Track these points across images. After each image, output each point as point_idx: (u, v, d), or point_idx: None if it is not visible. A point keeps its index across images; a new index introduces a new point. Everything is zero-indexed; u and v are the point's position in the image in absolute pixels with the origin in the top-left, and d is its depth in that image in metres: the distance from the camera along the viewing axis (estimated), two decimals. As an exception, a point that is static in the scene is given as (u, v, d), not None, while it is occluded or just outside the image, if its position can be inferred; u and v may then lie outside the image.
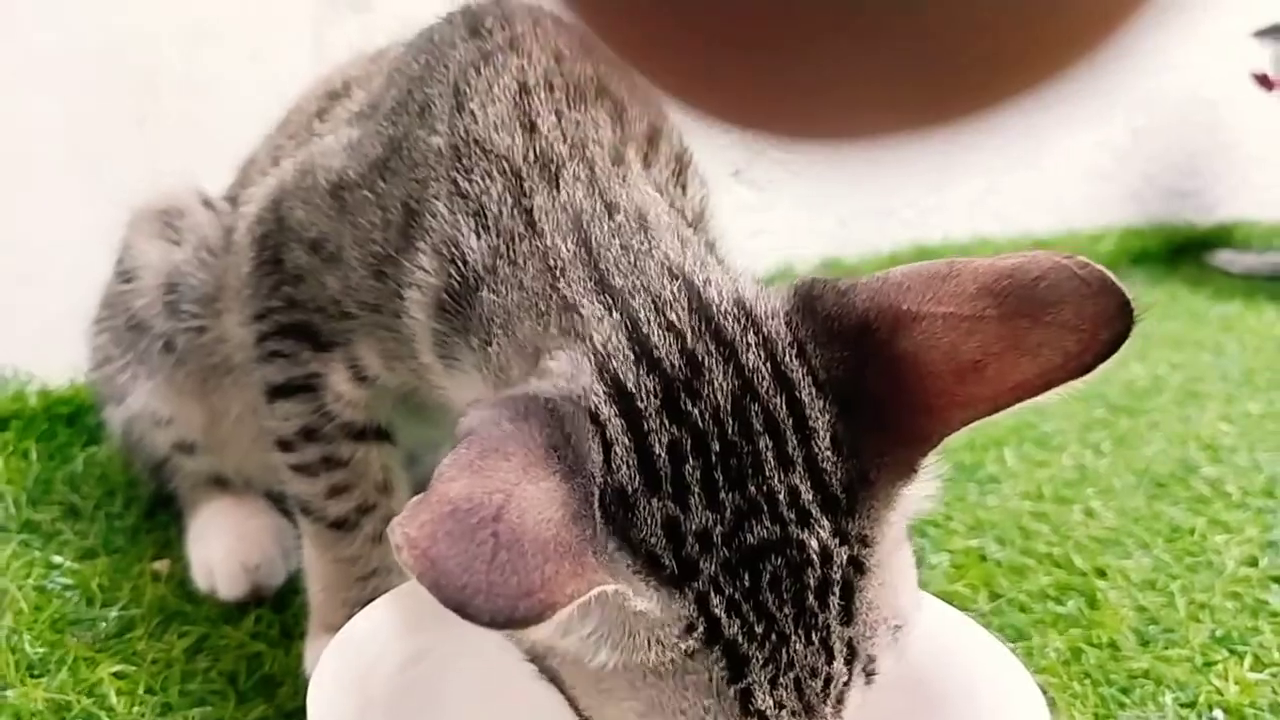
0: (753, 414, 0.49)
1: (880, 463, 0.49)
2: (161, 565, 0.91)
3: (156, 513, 0.99)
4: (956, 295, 0.49)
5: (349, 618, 0.71)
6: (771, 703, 0.48)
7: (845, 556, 0.49)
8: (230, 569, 0.87)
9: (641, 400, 0.50)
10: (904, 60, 0.23)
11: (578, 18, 0.25)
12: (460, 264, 0.60)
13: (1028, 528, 1.02)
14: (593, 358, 0.51)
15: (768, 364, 0.50)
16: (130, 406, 0.93)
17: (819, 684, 0.49)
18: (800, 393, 0.50)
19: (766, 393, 0.50)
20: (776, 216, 1.64)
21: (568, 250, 0.57)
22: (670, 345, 0.51)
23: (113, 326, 0.93)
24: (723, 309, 0.52)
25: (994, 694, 0.63)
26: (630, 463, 0.48)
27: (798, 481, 0.49)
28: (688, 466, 0.48)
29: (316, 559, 0.78)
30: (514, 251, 0.58)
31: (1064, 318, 0.46)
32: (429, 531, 0.42)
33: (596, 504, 0.47)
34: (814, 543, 0.48)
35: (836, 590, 0.49)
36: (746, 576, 0.48)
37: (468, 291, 0.60)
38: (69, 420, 1.13)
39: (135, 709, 0.73)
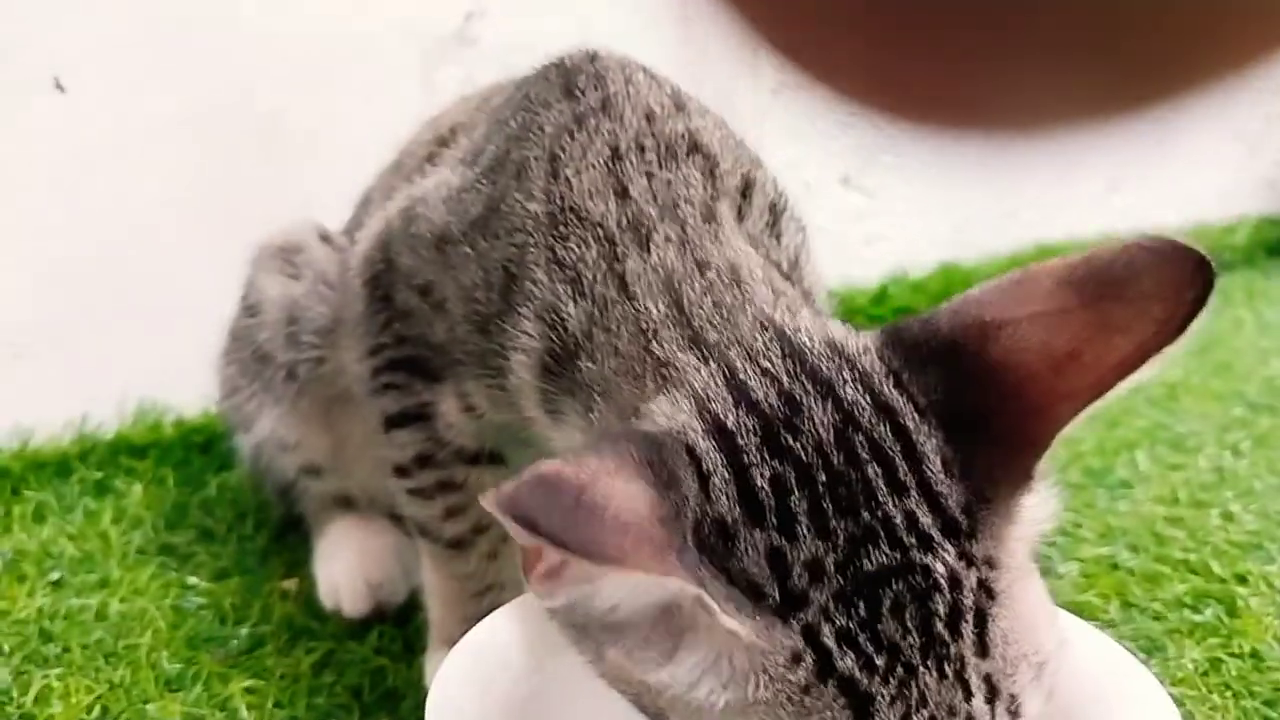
0: (858, 444, 0.49)
1: (995, 478, 0.48)
2: (290, 584, 0.94)
3: (286, 534, 1.03)
4: (1036, 295, 0.49)
5: (467, 632, 0.73)
6: None
7: (975, 580, 0.47)
8: (355, 587, 0.90)
9: (741, 437, 0.49)
10: (1087, 35, 0.20)
11: None
12: (561, 329, 0.61)
13: (1162, 534, 0.98)
14: (691, 401, 0.52)
15: (866, 396, 0.50)
16: (258, 433, 0.96)
17: None
18: (904, 420, 0.49)
19: (869, 422, 0.49)
20: (890, 223, 1.61)
21: (659, 312, 0.57)
22: (768, 388, 0.51)
23: (239, 358, 0.97)
24: (816, 351, 0.52)
25: (1125, 706, 0.61)
26: (730, 494, 0.48)
27: (913, 506, 0.47)
28: (793, 498, 0.48)
29: (435, 576, 0.80)
30: (608, 318, 0.59)
31: (1145, 289, 0.47)
32: (518, 487, 0.44)
33: (690, 530, 0.46)
34: (940, 567, 0.47)
35: (969, 618, 0.47)
36: (864, 606, 0.46)
37: (569, 356, 0.60)
38: (203, 448, 1.18)
39: (265, 722, 0.76)
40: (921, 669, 0.46)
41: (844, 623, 0.46)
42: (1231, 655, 0.80)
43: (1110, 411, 1.26)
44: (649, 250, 0.60)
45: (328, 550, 0.95)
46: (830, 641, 0.46)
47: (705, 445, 0.49)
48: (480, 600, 0.78)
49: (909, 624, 0.46)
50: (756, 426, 0.49)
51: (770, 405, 0.50)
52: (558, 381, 0.62)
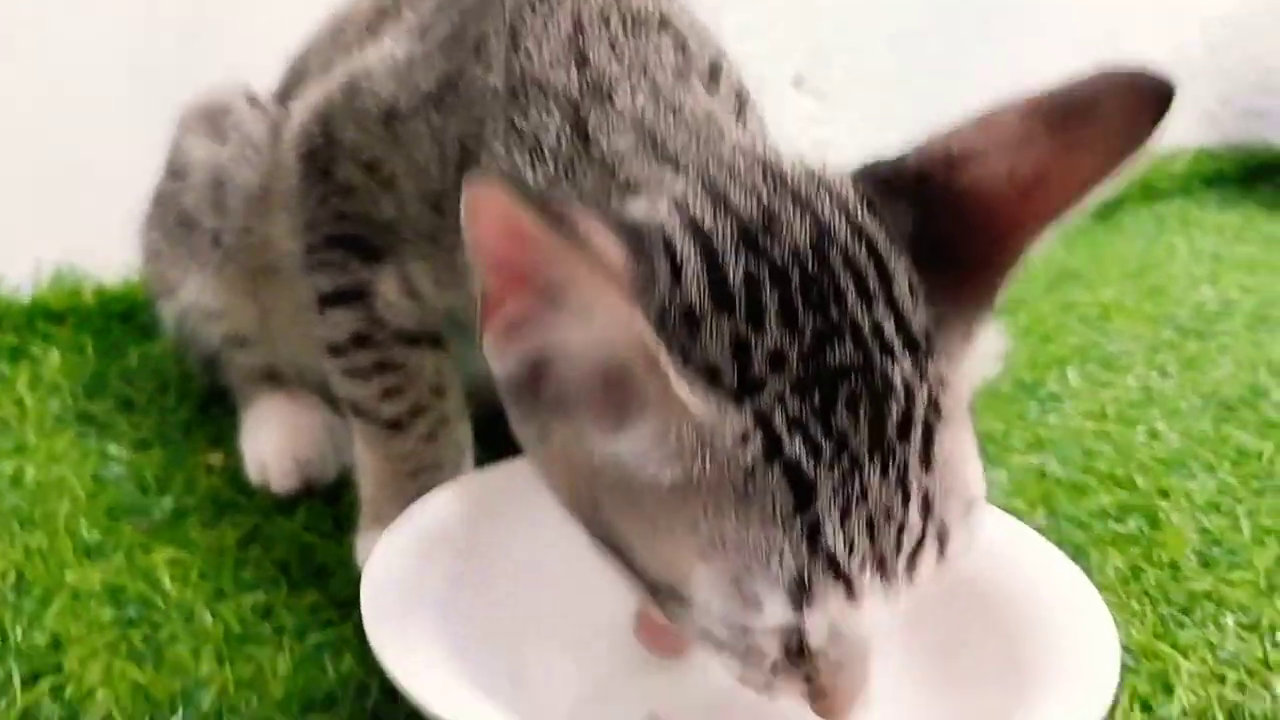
0: (834, 255, 0.49)
1: (958, 302, 0.49)
2: (215, 457, 0.92)
3: (209, 407, 1.00)
4: (1001, 125, 0.50)
5: (399, 512, 0.72)
6: (843, 540, 0.46)
7: (927, 394, 0.47)
8: (283, 462, 0.87)
9: (718, 238, 0.49)
10: None
11: None
12: None
13: (1089, 447, 1.00)
14: (669, 201, 0.51)
15: (843, 217, 0.50)
16: (182, 300, 0.93)
17: (893, 530, 0.47)
18: (876, 243, 0.49)
19: (846, 239, 0.49)
20: (840, 130, 1.59)
21: (627, 144, 0.56)
22: (747, 198, 0.50)
23: (163, 223, 0.94)
24: (795, 175, 0.52)
25: (1061, 605, 0.62)
26: (701, 284, 0.47)
27: (880, 318, 0.48)
28: (765, 293, 0.47)
29: (368, 456, 0.78)
30: (572, 172, 0.58)
31: (1106, 108, 0.48)
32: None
33: (655, 311, 0.46)
34: (898, 375, 0.47)
35: (918, 429, 0.47)
36: (819, 397, 0.46)
37: None
38: (123, 317, 1.14)
39: (189, 594, 0.74)
40: (867, 466, 0.46)
41: (797, 410, 0.46)
42: (1151, 565, 0.82)
43: (1044, 327, 1.28)
44: (613, 102, 0.58)
45: (255, 424, 0.93)
46: (781, 426, 0.46)
47: (682, 237, 0.48)
48: (415, 480, 0.77)
49: (861, 420, 0.46)
50: (734, 229, 0.49)
51: (749, 213, 0.50)
52: None
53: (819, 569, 0.46)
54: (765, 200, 0.50)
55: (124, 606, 0.72)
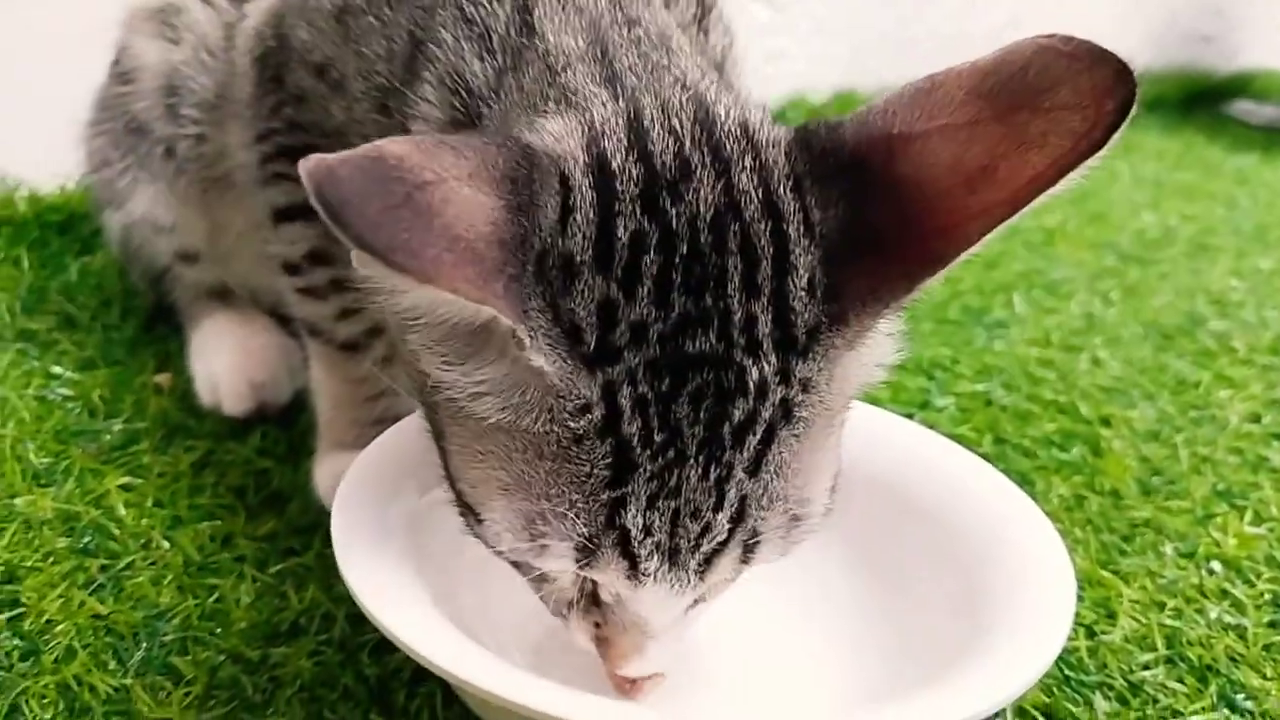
0: (732, 233, 0.47)
1: (868, 299, 0.47)
2: (163, 379, 0.90)
3: (155, 324, 0.98)
4: (946, 106, 0.46)
5: (358, 436, 0.71)
6: (641, 524, 0.47)
7: (779, 398, 0.47)
8: (235, 385, 0.86)
9: (620, 183, 0.47)
10: None
11: None
12: (465, 94, 0.57)
13: (1034, 374, 1.02)
14: (584, 131, 0.49)
15: (760, 191, 0.48)
16: (130, 212, 0.90)
17: (696, 529, 0.47)
18: (788, 226, 0.47)
19: (751, 217, 0.47)
20: (794, 41, 1.58)
21: (578, 46, 0.54)
22: (666, 144, 0.48)
23: (111, 129, 0.90)
24: (726, 128, 0.49)
25: (1016, 535, 0.64)
26: (586, 234, 0.46)
27: (758, 311, 0.46)
28: (647, 259, 0.46)
29: (325, 379, 0.77)
30: (518, 66, 0.55)
31: (1062, 99, 0.44)
32: (345, 161, 0.40)
33: (533, 258, 0.44)
34: (754, 374, 0.46)
35: (756, 434, 0.47)
36: (668, 382, 0.46)
37: (471, 123, 0.56)
38: (61, 228, 1.10)
39: (144, 521, 0.73)
40: (690, 462, 0.46)
41: (644, 391, 0.46)
42: (1094, 492, 0.84)
43: (989, 253, 1.29)
44: None
45: (205, 345, 0.91)
46: (625, 404, 0.46)
47: (580, 180, 0.47)
48: (374, 404, 0.76)
49: (700, 415, 0.46)
50: (640, 177, 0.47)
51: (662, 162, 0.48)
52: None
53: (609, 541, 0.47)
54: (685, 151, 0.48)
55: (79, 535, 0.71)
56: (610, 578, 0.49)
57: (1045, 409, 0.96)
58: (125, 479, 0.77)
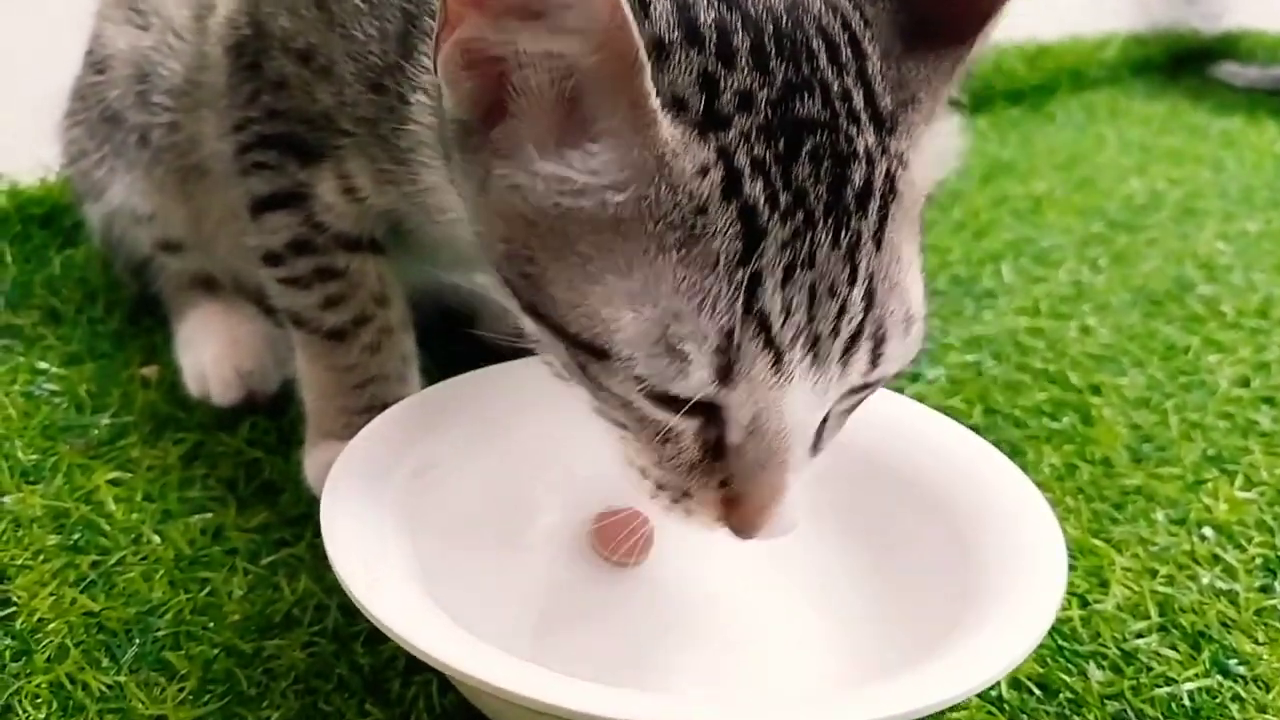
0: (809, 19, 0.48)
1: (928, 82, 0.48)
2: (150, 371, 0.89)
3: (140, 317, 0.97)
4: None
5: (346, 425, 0.71)
6: (780, 303, 0.45)
7: (885, 169, 0.47)
8: (223, 374, 0.85)
9: None
10: None
11: None
12: None
13: (1024, 343, 1.02)
14: None
15: None
16: (109, 202, 0.89)
17: (834, 309, 0.46)
18: (851, 21, 0.49)
19: (819, 11, 0.48)
20: None
21: None
22: None
23: (86, 119, 0.89)
24: None
25: (1006, 506, 0.64)
26: (671, 17, 0.46)
27: (850, 85, 0.47)
28: (736, 38, 0.46)
29: (311, 368, 0.77)
30: None
31: None
32: None
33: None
34: (862, 143, 0.46)
35: (876, 202, 0.47)
36: (784, 144, 0.45)
37: None
38: (43, 221, 1.09)
39: (134, 516, 0.73)
40: (820, 227, 0.46)
41: (761, 153, 0.45)
42: (1085, 461, 0.85)
43: (978, 222, 1.29)
44: None
45: (191, 335, 0.90)
46: (744, 164, 0.45)
47: None
48: (361, 393, 0.76)
49: (822, 177, 0.46)
50: None
51: None
52: None
53: (749, 332, 0.45)
54: None
55: (69, 532, 0.71)
56: (755, 379, 0.46)
57: (1035, 378, 0.96)
58: (114, 474, 0.76)
